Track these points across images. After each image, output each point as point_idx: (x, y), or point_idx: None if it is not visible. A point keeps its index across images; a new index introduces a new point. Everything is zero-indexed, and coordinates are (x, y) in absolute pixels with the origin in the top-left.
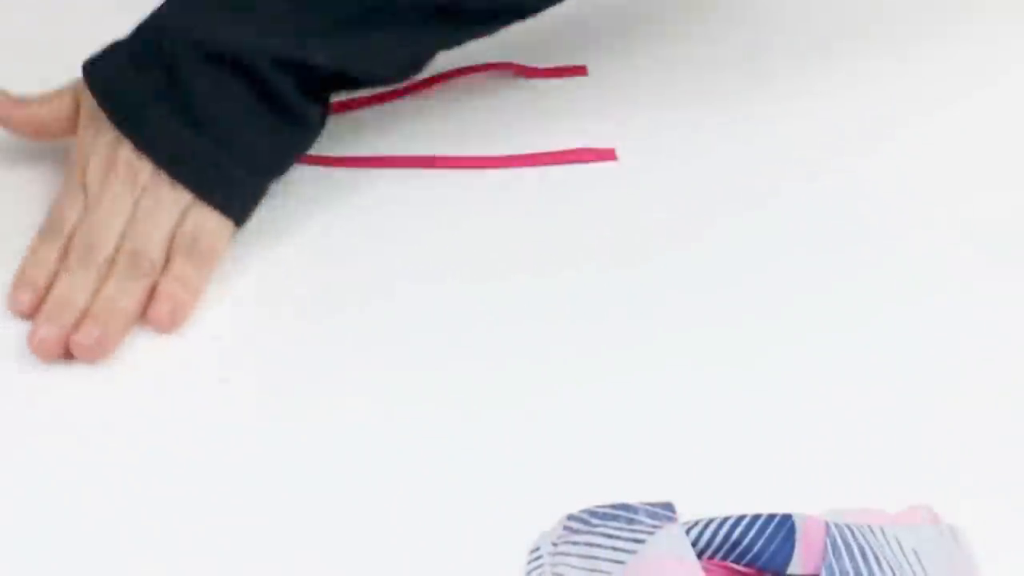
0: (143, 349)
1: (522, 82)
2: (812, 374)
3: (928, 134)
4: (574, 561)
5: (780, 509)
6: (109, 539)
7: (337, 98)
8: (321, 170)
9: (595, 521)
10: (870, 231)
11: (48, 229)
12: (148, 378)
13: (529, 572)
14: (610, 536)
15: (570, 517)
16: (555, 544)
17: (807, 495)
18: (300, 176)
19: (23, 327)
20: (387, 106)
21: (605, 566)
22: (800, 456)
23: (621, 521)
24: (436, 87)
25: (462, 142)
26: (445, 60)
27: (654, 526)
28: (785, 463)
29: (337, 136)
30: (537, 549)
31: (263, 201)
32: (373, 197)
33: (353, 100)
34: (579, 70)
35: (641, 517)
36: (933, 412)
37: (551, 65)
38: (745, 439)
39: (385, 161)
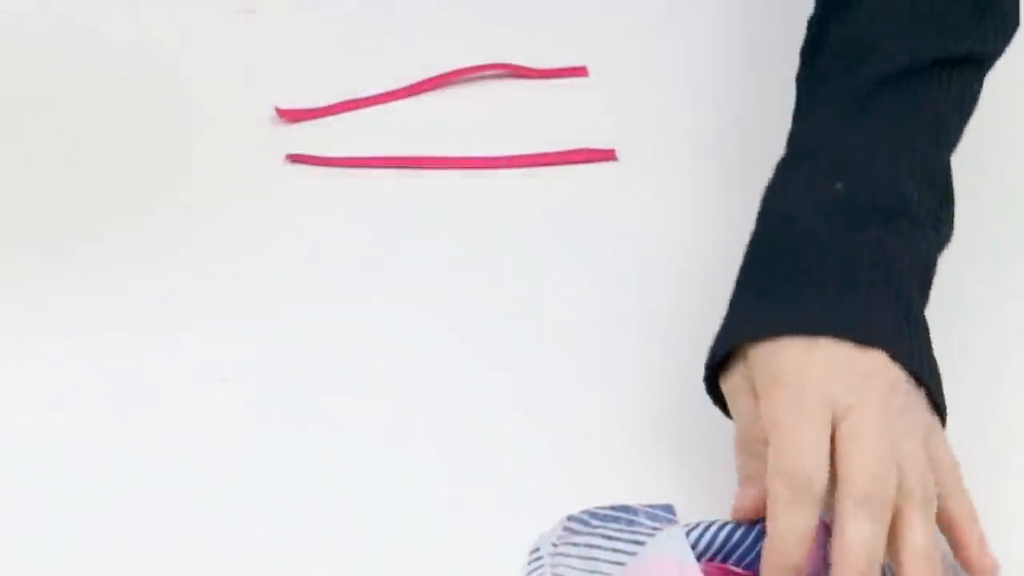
0: (144, 349)
1: (522, 82)
2: None
3: None
4: (574, 562)
5: None
6: (109, 538)
7: (339, 98)
8: (321, 170)
9: (595, 522)
10: None
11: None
12: (149, 378)
13: (529, 573)
14: (610, 538)
15: (570, 518)
16: (555, 545)
17: None
18: (300, 176)
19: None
20: (387, 106)
21: (605, 567)
22: None
23: (621, 523)
24: (436, 87)
25: (462, 142)
26: (445, 60)
27: (654, 528)
28: None
29: (337, 136)
30: (537, 550)
31: (262, 202)
32: (372, 197)
33: (353, 100)
34: (579, 70)
35: (641, 519)
36: None
37: (551, 65)
38: None
39: (385, 161)
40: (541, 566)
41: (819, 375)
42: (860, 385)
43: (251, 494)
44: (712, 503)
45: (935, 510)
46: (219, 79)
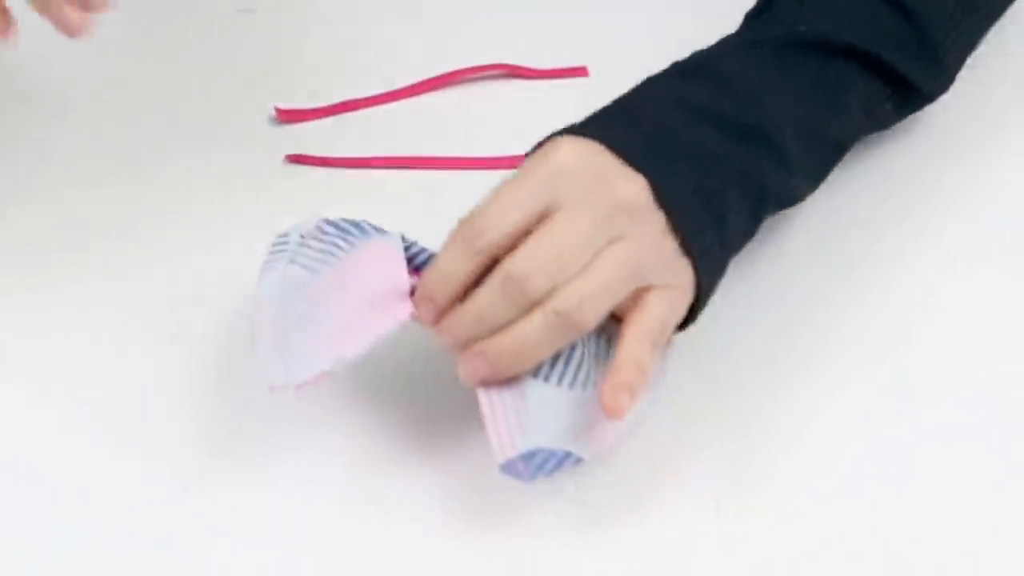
0: (143, 349)
1: (522, 82)
2: (808, 375)
3: (929, 136)
4: (312, 253)
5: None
6: (108, 537)
7: (339, 98)
8: (321, 170)
9: (355, 231)
10: (871, 229)
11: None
12: (148, 378)
13: (271, 252)
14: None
15: (329, 222)
16: (303, 236)
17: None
18: (300, 176)
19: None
20: (387, 106)
21: (340, 253)
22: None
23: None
24: (436, 87)
25: (462, 143)
26: (445, 60)
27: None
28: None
29: (337, 136)
30: (286, 235)
31: (262, 202)
32: (372, 197)
33: (353, 100)
34: (579, 70)
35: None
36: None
37: (551, 65)
38: (732, 435)
39: (385, 161)
40: (284, 249)
41: (562, 165)
42: (589, 190)
43: (251, 493)
44: (715, 497)
45: (568, 333)
46: (219, 79)
